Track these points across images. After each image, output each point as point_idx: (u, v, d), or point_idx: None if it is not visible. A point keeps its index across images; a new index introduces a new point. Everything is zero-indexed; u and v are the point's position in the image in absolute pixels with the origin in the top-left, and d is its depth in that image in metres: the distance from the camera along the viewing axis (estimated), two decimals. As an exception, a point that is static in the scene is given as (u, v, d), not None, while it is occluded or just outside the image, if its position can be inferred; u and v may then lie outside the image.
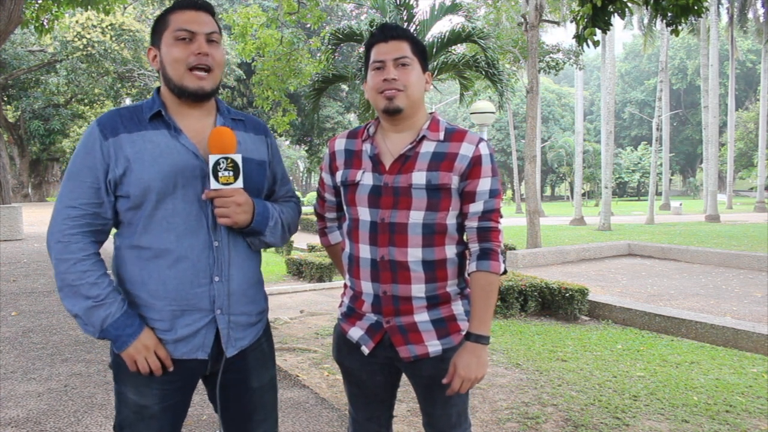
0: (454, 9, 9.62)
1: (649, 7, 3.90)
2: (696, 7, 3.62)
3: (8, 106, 28.33)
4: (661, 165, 31.77)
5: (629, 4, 3.86)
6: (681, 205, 30.86)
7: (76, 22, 20.54)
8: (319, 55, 11.36)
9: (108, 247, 1.59)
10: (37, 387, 3.40)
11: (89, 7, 8.39)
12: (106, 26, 21.08)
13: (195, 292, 1.44)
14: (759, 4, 27.17)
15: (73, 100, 28.03)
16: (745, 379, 4.11)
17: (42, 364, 3.80)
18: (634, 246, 13.00)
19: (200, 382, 1.59)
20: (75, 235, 1.40)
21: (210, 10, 1.48)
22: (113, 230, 1.53)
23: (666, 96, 27.99)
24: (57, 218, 1.42)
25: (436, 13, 9.36)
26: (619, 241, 13.86)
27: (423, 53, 1.61)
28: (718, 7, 26.38)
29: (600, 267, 11.10)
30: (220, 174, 1.40)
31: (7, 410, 3.06)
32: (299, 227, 1.71)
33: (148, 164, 1.40)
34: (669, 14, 3.74)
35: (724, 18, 29.83)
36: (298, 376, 3.86)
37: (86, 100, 27.41)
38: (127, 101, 26.13)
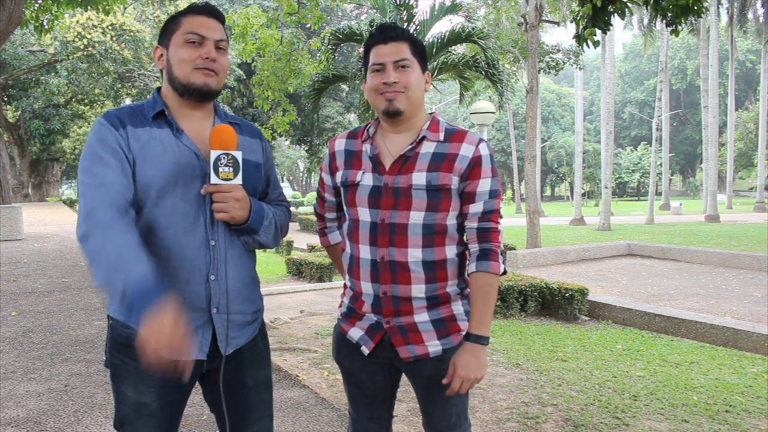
0: (454, 9, 9.62)
1: (649, 7, 3.90)
2: (696, 7, 3.62)
3: (8, 106, 28.34)
4: (660, 165, 31.76)
5: (629, 4, 3.86)
6: (681, 205, 30.87)
7: (77, 22, 20.53)
8: (319, 55, 11.36)
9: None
10: (37, 387, 3.40)
11: (89, 7, 8.39)
12: (107, 26, 21.06)
13: (192, 291, 1.44)
14: (759, 4, 27.17)
15: (74, 100, 28.05)
16: (745, 379, 4.12)
17: (42, 364, 3.80)
18: (634, 246, 13.00)
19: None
20: (110, 214, 1.29)
21: (221, 18, 1.51)
22: None
23: (666, 96, 27.99)
24: (84, 206, 1.31)
25: (436, 13, 9.36)
26: (619, 241, 13.86)
27: (422, 53, 1.61)
28: (718, 7, 26.38)
29: (600, 267, 11.10)
30: (220, 169, 1.42)
31: (7, 410, 3.06)
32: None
33: (151, 162, 1.41)
34: (669, 14, 3.74)
35: (724, 18, 29.84)
36: (298, 376, 3.86)
37: (86, 101, 27.43)
38: (127, 101, 26.12)
